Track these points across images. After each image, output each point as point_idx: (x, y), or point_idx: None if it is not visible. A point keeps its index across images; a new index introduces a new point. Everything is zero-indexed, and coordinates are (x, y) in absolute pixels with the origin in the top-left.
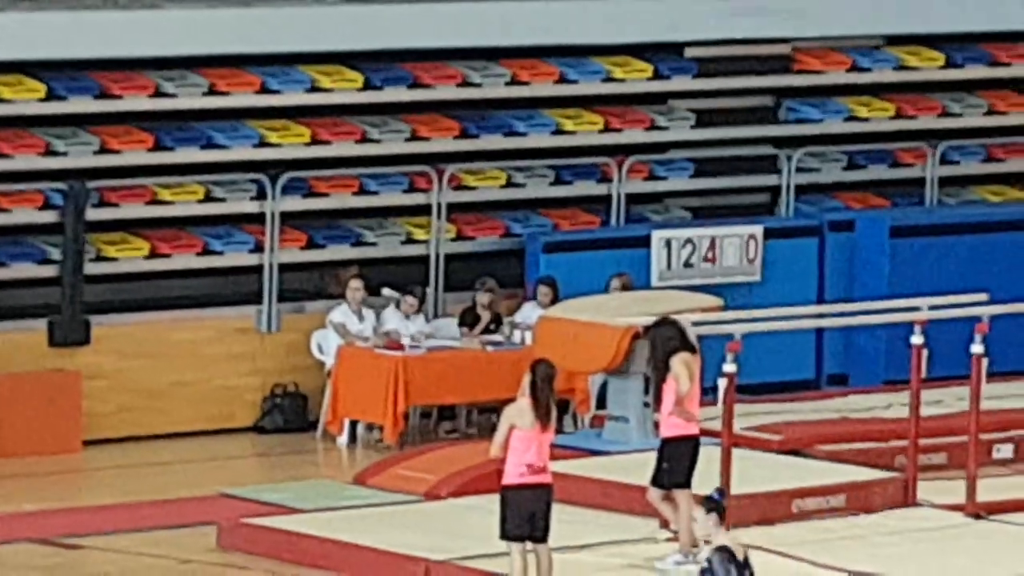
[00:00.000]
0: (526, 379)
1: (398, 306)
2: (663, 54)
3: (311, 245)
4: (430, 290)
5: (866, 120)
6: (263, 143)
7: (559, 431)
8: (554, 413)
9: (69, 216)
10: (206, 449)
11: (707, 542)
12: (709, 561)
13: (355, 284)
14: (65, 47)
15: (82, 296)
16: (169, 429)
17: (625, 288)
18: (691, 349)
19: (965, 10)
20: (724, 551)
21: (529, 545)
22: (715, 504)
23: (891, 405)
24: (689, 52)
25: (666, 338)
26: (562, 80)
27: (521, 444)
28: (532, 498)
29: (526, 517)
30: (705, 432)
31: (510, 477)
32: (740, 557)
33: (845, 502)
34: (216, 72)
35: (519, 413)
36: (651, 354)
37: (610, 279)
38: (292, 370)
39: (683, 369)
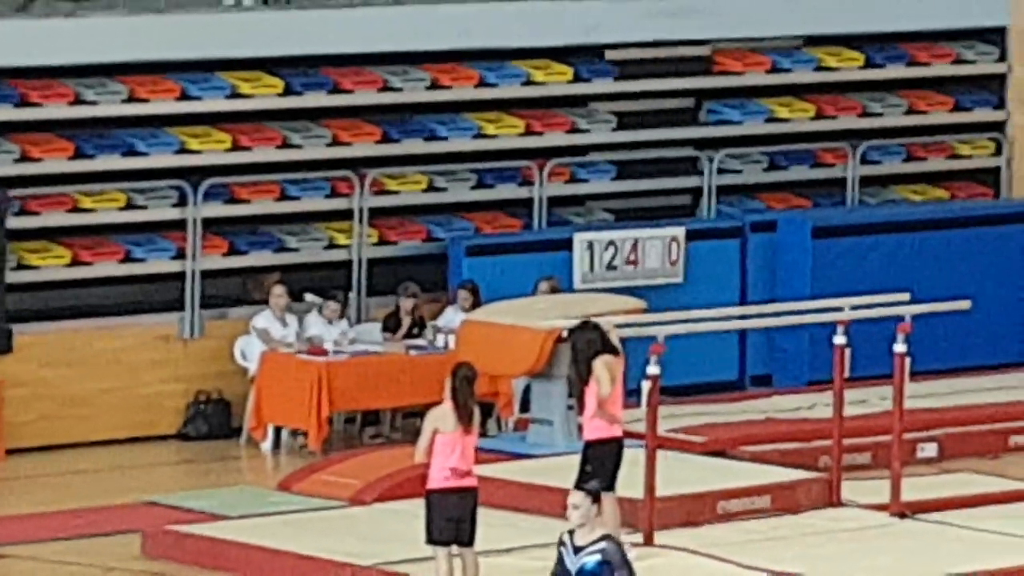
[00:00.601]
0: (448, 382)
1: (320, 311)
2: (583, 57)
3: (233, 251)
4: (353, 295)
5: (787, 121)
6: (184, 150)
7: (483, 434)
8: (477, 415)
9: None
10: (130, 457)
11: (571, 532)
12: (604, 552)
13: (278, 290)
14: None
15: (4, 304)
16: (92, 437)
17: (554, 291)
18: (613, 351)
19: (884, 10)
20: (615, 539)
21: (455, 549)
22: (596, 495)
23: (815, 405)
24: (609, 55)
25: (587, 341)
26: (482, 84)
27: (445, 448)
28: (457, 502)
29: (451, 521)
30: (629, 434)
31: (434, 481)
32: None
33: (770, 503)
34: (136, 79)
35: (442, 417)
36: (573, 358)
37: (538, 282)
38: (215, 377)
39: (605, 372)
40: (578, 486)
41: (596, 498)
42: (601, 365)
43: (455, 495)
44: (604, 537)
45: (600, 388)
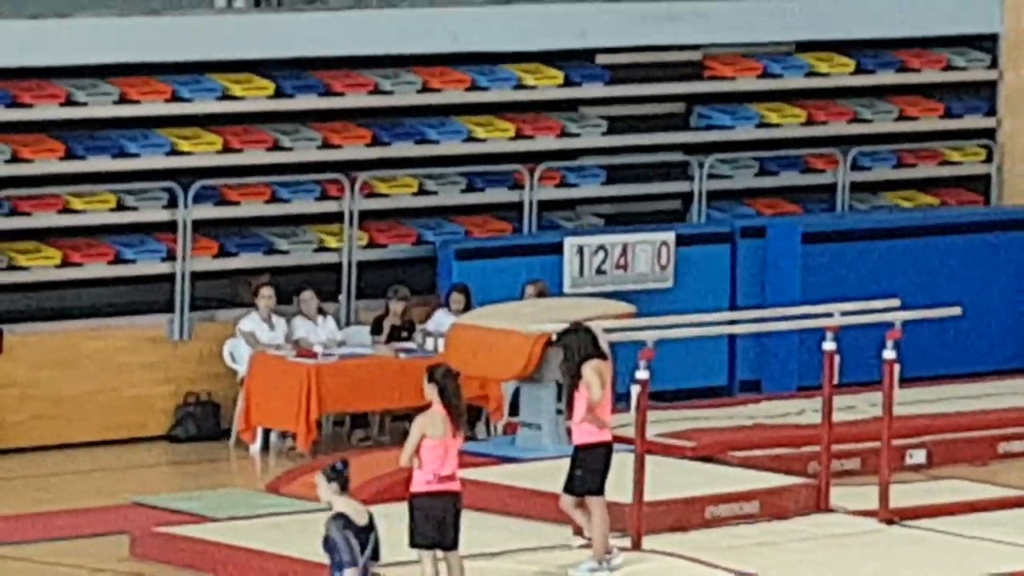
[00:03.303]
0: (431, 388)
1: (301, 311)
2: (574, 61)
3: (223, 253)
4: (342, 297)
5: (777, 126)
6: (174, 151)
7: (470, 438)
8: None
9: None
10: (118, 458)
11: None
12: (327, 529)
13: (266, 292)
14: None
15: None
16: (81, 438)
17: (541, 295)
18: (603, 356)
19: (875, 16)
20: (340, 518)
21: (440, 553)
22: (336, 473)
23: (804, 411)
24: (600, 59)
25: (577, 345)
26: (473, 87)
27: (432, 453)
28: (440, 505)
29: (435, 525)
30: (618, 439)
31: (418, 485)
32: (362, 522)
33: (759, 508)
34: (127, 81)
35: (431, 423)
36: (563, 361)
37: (525, 285)
38: (205, 378)
39: (594, 376)
40: (566, 490)
41: (333, 477)
42: (591, 370)
43: (438, 498)
44: (333, 516)
45: (591, 393)
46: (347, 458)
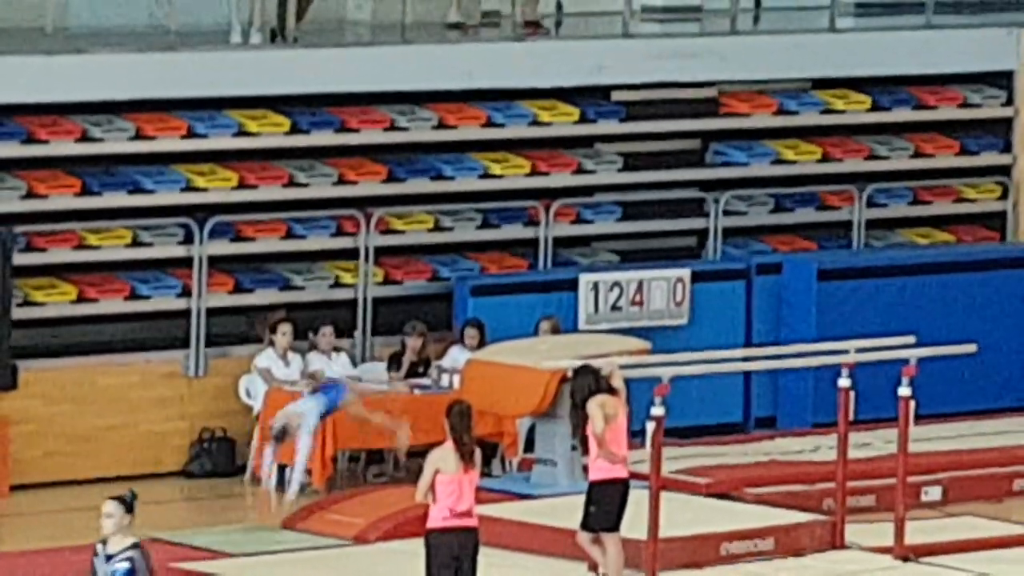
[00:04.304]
0: (445, 423)
1: (316, 346)
2: (590, 98)
3: (238, 289)
4: (358, 334)
5: (793, 163)
6: (190, 187)
7: (485, 474)
8: (477, 454)
9: None
10: None
11: (104, 541)
12: (132, 560)
13: (283, 328)
14: None
15: (9, 341)
16: (97, 474)
17: (554, 331)
18: (608, 391)
19: (891, 54)
20: (143, 548)
21: None
22: (127, 503)
23: (819, 448)
24: (616, 96)
25: (582, 385)
26: (489, 124)
27: (446, 488)
28: (456, 541)
29: (451, 560)
30: (633, 475)
31: (434, 520)
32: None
33: (773, 545)
34: (143, 117)
35: (442, 458)
36: (571, 405)
37: (539, 322)
38: (220, 414)
39: (597, 410)
40: (583, 526)
41: (129, 507)
42: (594, 405)
43: (455, 535)
44: (133, 545)
45: (593, 426)
46: (135, 491)
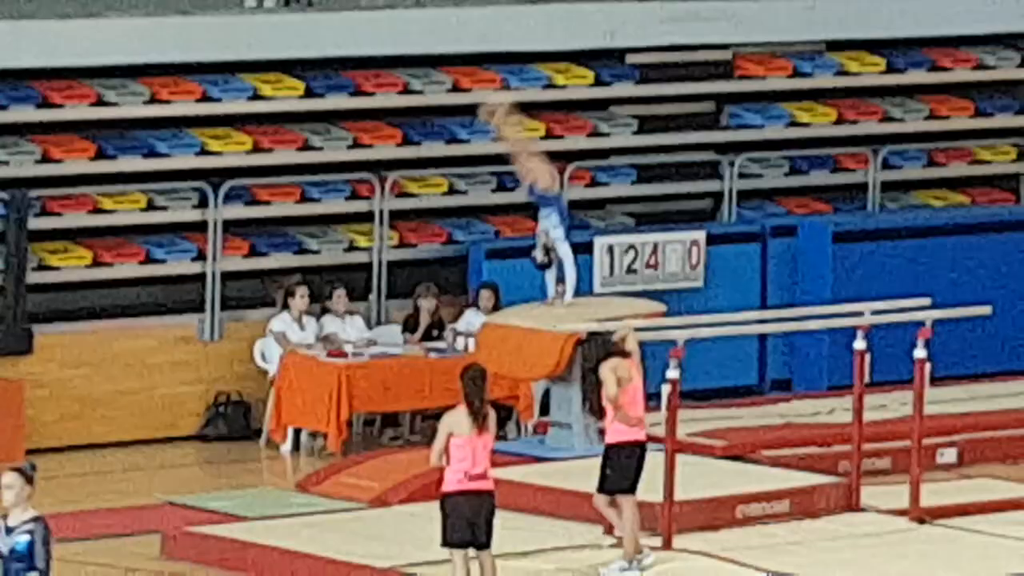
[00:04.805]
0: (460, 386)
1: (329, 309)
2: (604, 61)
3: (253, 253)
4: (373, 297)
5: (808, 125)
6: (205, 151)
7: (500, 437)
8: (492, 417)
9: (11, 225)
10: (149, 458)
11: (4, 515)
12: (32, 532)
13: (299, 291)
14: (5, 56)
15: (24, 305)
16: (112, 438)
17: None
18: (621, 354)
19: (906, 15)
20: (43, 520)
21: (472, 552)
22: (27, 475)
23: (834, 410)
24: (630, 58)
25: (593, 353)
26: (504, 87)
27: (460, 451)
28: (472, 504)
29: (466, 524)
30: (649, 438)
31: (449, 484)
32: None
33: (789, 507)
34: (157, 81)
35: (456, 421)
36: (584, 373)
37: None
38: (235, 378)
39: (609, 374)
40: (599, 488)
41: (29, 479)
42: (607, 369)
43: (470, 498)
44: (35, 519)
45: (606, 390)
46: (34, 463)
